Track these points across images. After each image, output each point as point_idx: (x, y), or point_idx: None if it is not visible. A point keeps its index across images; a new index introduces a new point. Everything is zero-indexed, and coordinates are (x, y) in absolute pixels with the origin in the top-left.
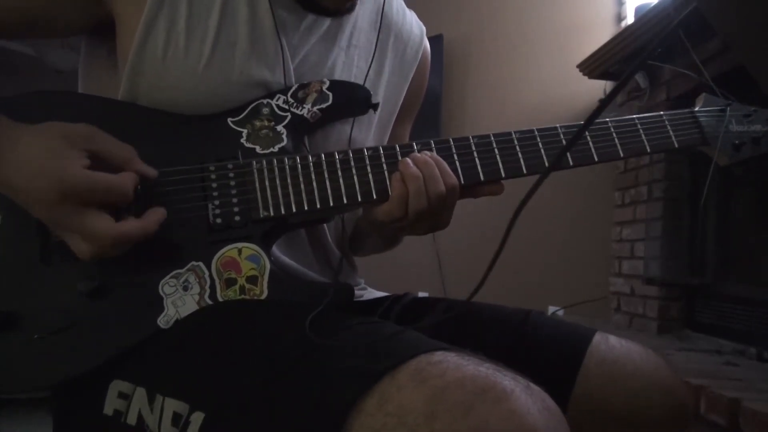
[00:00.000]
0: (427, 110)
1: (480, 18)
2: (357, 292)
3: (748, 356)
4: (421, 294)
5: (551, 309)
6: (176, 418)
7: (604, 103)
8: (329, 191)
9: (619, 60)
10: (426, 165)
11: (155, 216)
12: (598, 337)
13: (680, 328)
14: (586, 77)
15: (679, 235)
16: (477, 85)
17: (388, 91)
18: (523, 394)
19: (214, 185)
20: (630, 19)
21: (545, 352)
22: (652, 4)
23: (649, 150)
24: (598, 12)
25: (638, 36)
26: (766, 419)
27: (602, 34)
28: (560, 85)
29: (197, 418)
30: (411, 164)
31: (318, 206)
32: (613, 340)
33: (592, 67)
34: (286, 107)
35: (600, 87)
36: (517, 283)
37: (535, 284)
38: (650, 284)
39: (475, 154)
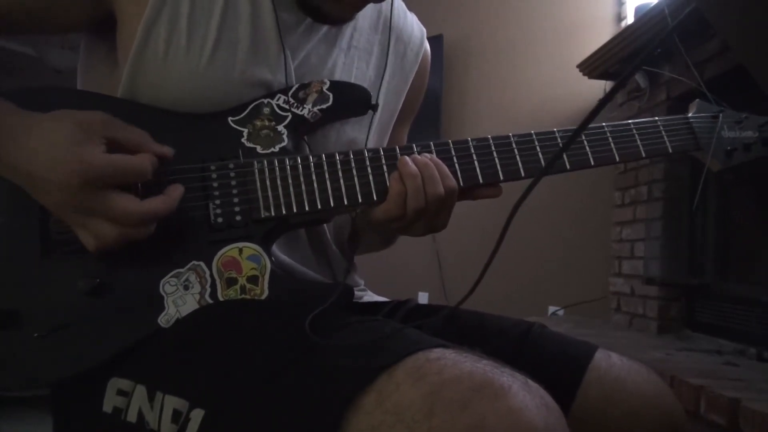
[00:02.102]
0: (427, 110)
1: (480, 18)
2: (356, 293)
3: (748, 356)
4: (420, 294)
5: (551, 309)
6: (176, 415)
7: (600, 106)
8: (330, 192)
9: (619, 60)
10: (425, 167)
11: (176, 192)
12: (599, 354)
13: (680, 328)
14: (586, 77)
15: (679, 235)
16: (477, 85)
17: (388, 93)
18: (521, 391)
19: (215, 185)
20: (630, 19)
21: (545, 367)
22: (652, 4)
23: (644, 155)
24: (598, 12)
25: (638, 36)
26: (766, 419)
27: (602, 34)
28: (560, 85)
29: (197, 415)
30: (409, 163)
31: (319, 207)
32: (614, 357)
33: (592, 67)
34: (287, 107)
35: (600, 87)
36: (518, 283)
37: (536, 284)
38: (650, 284)
39: (474, 156)
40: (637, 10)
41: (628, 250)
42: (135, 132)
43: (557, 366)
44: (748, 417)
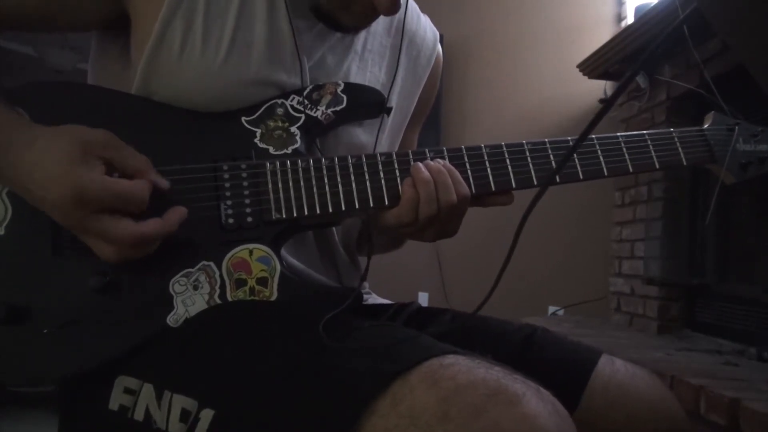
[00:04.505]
0: None
1: (480, 18)
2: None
3: (748, 356)
4: (421, 294)
5: (551, 309)
6: (185, 414)
7: (605, 107)
8: (341, 195)
9: (619, 60)
10: (439, 173)
11: (176, 215)
12: (603, 360)
13: (680, 328)
14: (586, 77)
15: (679, 235)
16: (477, 85)
17: (400, 97)
18: (534, 398)
19: (227, 185)
20: (630, 19)
21: (549, 372)
22: (652, 4)
23: (658, 166)
24: (598, 12)
25: (638, 36)
26: (766, 419)
27: (602, 34)
28: (560, 85)
29: (207, 415)
30: (423, 169)
31: (330, 210)
32: (618, 363)
33: (592, 67)
34: (301, 108)
35: (600, 87)
36: (518, 283)
37: (536, 284)
38: (650, 284)
39: (487, 164)
40: (637, 10)
41: (628, 250)
42: (136, 157)
43: (561, 371)
44: (748, 417)
